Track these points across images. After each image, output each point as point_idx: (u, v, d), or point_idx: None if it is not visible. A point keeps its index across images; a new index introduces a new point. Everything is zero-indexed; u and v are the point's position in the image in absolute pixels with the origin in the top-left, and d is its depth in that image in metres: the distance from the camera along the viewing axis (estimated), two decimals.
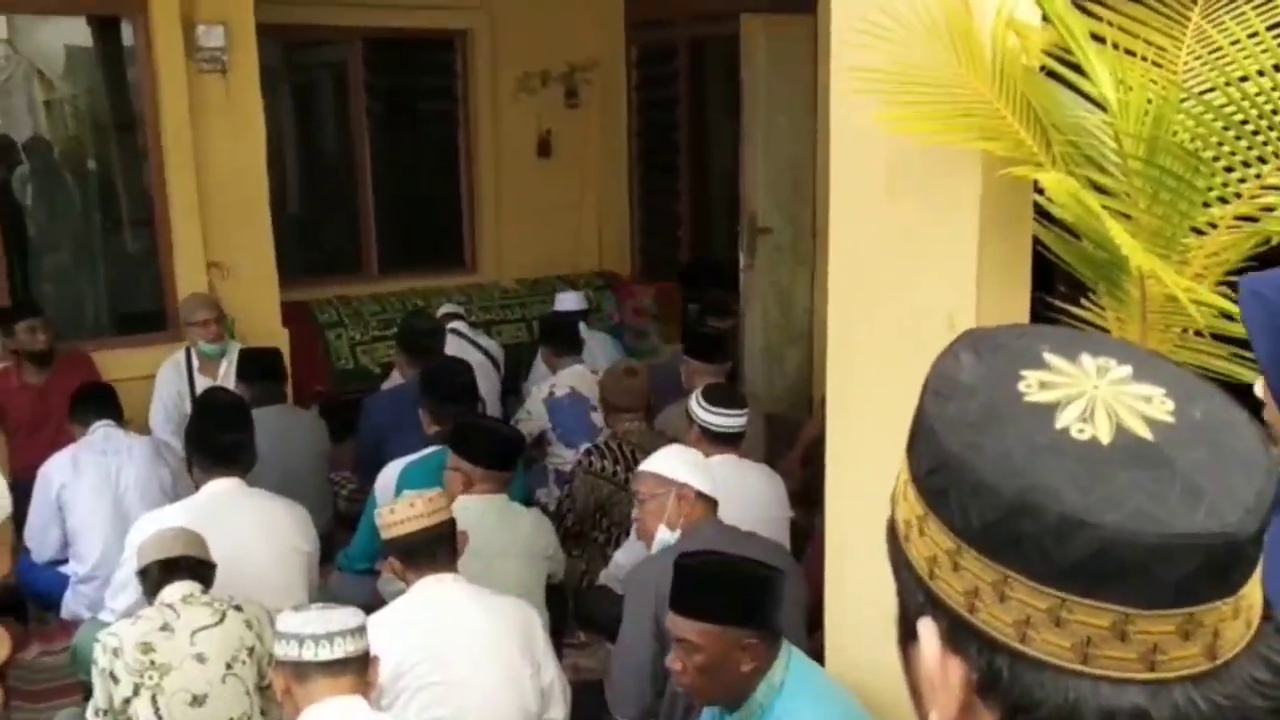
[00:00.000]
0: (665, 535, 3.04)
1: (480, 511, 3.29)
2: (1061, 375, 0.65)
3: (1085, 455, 0.61)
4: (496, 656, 2.71)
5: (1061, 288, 2.10)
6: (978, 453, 0.63)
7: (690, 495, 3.01)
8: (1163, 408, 0.64)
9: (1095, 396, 0.64)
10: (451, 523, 2.83)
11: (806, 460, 4.88)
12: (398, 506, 2.79)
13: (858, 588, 2.56)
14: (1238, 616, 0.62)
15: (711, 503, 3.05)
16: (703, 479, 3.04)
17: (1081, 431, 0.62)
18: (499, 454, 3.43)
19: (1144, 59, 1.85)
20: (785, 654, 2.31)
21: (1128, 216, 1.87)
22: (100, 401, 4.17)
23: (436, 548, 2.78)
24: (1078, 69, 2.00)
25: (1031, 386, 0.65)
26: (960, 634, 0.65)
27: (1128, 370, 0.66)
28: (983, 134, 1.93)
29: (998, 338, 0.69)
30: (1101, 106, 1.97)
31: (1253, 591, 0.63)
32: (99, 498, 3.89)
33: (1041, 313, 2.25)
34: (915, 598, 0.68)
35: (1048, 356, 0.66)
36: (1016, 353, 0.67)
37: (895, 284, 2.37)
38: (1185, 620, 0.60)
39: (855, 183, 2.39)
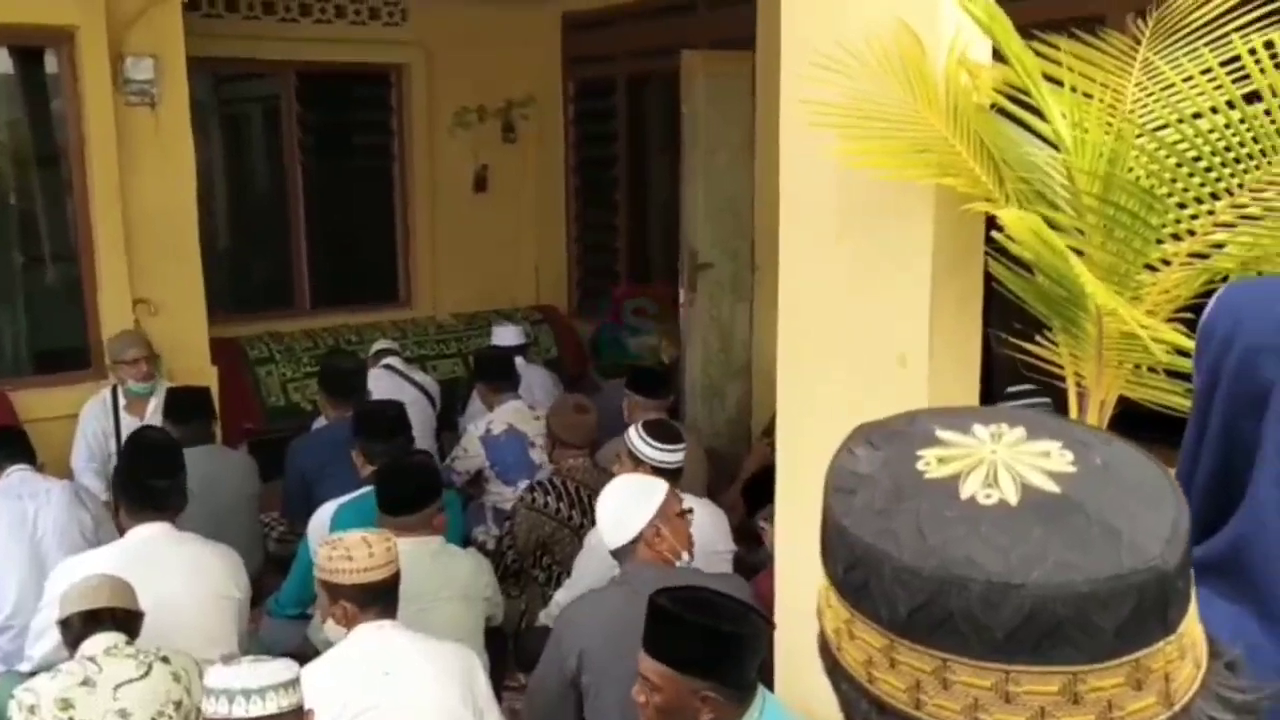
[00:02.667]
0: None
1: (414, 555, 3.19)
2: (957, 448, 0.66)
3: (997, 519, 0.61)
4: (438, 705, 2.61)
5: (1015, 324, 2.09)
6: (891, 538, 0.62)
7: None
8: (1063, 459, 0.64)
9: (994, 461, 0.64)
10: (398, 568, 2.75)
11: (747, 493, 4.86)
12: (355, 553, 2.67)
13: (807, 621, 2.52)
14: (1184, 656, 0.61)
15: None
16: (615, 531, 2.93)
17: (988, 496, 0.62)
18: (405, 501, 3.29)
19: (1099, 100, 1.85)
20: (759, 703, 2.22)
21: (1081, 253, 1.86)
22: (12, 445, 3.99)
23: (389, 594, 2.70)
24: (1028, 107, 2.01)
25: (930, 464, 0.65)
26: None
27: (1020, 431, 0.66)
28: (940, 170, 1.92)
29: (889, 426, 0.70)
30: (1054, 145, 1.97)
31: (1193, 629, 0.63)
32: (14, 544, 3.71)
33: (995, 350, 2.24)
34: (859, 707, 0.67)
35: (940, 433, 0.67)
36: (910, 436, 0.68)
37: (847, 322, 2.34)
38: (1133, 669, 0.59)
39: (806, 220, 2.38)
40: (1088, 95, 1.90)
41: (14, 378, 5.49)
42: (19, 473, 3.86)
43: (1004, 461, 0.64)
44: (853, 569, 0.64)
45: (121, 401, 4.90)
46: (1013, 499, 0.61)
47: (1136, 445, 0.68)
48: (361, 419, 4.08)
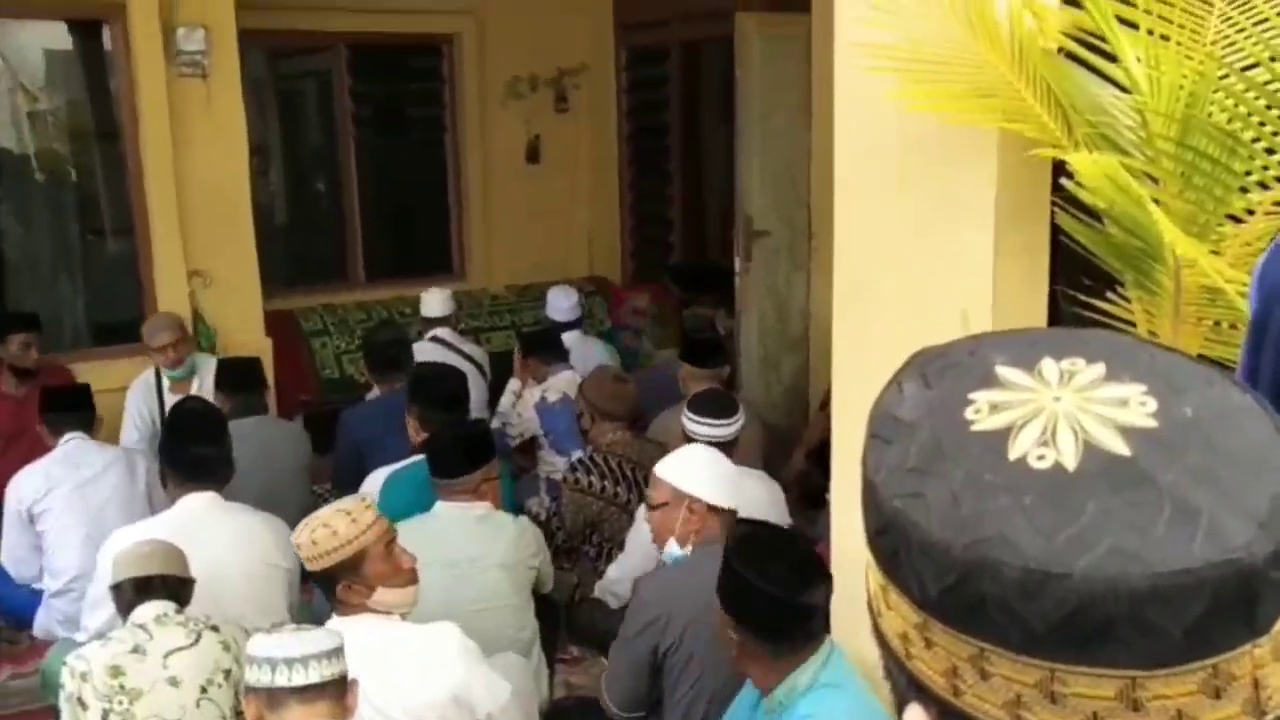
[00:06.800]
0: (674, 550, 2.91)
1: (458, 520, 3.15)
2: (1015, 391, 0.55)
3: (1047, 488, 0.51)
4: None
5: (1084, 279, 1.98)
6: (921, 504, 0.53)
7: (701, 509, 2.87)
8: (1142, 410, 0.53)
9: (1056, 412, 0.53)
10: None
11: (811, 460, 4.80)
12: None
13: (863, 596, 2.44)
14: None
15: (728, 514, 2.90)
16: (718, 490, 2.88)
17: (1041, 458, 0.52)
18: (456, 463, 3.22)
19: (1177, 43, 1.72)
20: (819, 660, 2.25)
21: (1157, 202, 1.75)
22: (72, 410, 4.01)
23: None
24: (1098, 51, 1.89)
25: (980, 411, 0.54)
26: None
27: (1099, 370, 0.55)
28: (1005, 115, 1.81)
29: (948, 356, 0.60)
30: (1125, 89, 1.85)
31: None
32: (72, 511, 3.75)
33: (1063, 308, 2.13)
34: (899, 682, 0.58)
35: (1001, 371, 0.56)
36: (966, 371, 0.57)
37: (905, 279, 2.25)
38: (1210, 675, 0.49)
39: (862, 170, 2.28)
40: (1165, 37, 1.78)
41: (73, 350, 5.56)
42: (75, 441, 3.89)
43: (1067, 413, 0.53)
44: (882, 534, 0.55)
45: (166, 382, 4.91)
46: (1070, 462, 0.51)
47: (1243, 389, 0.56)
48: (419, 385, 4.02)
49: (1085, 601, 0.48)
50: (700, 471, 2.91)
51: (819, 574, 2.28)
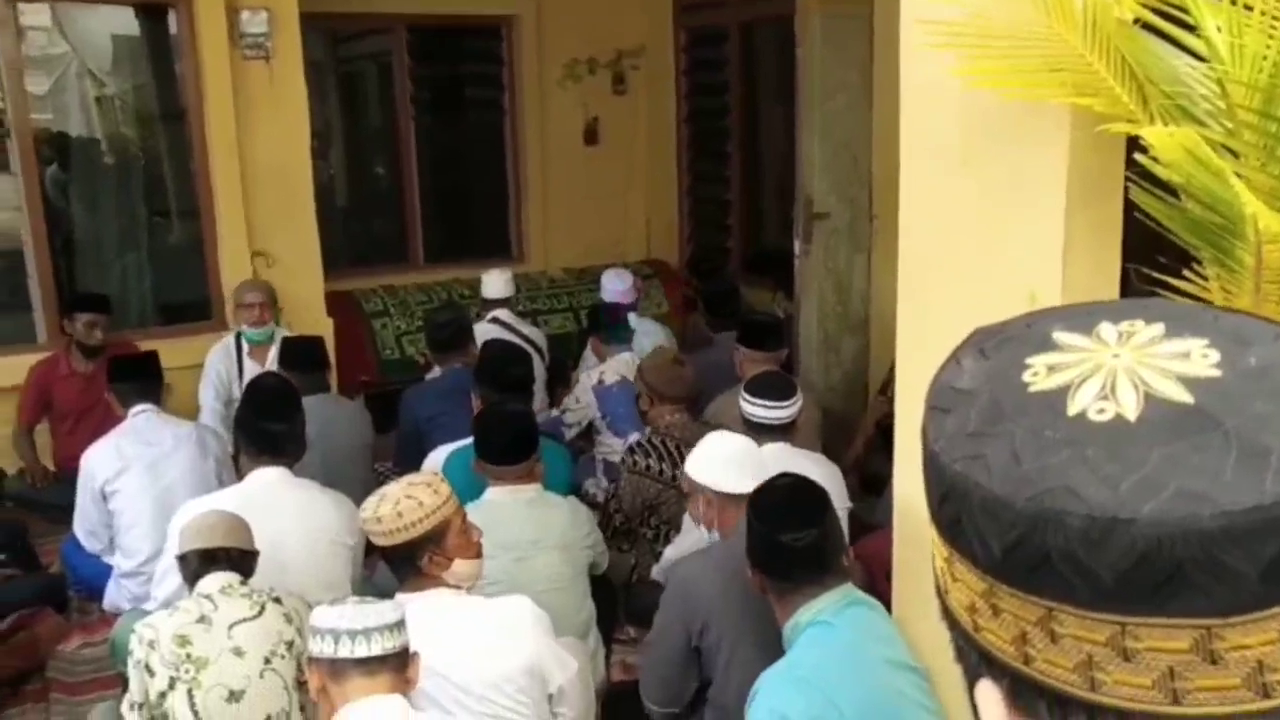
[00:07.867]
0: (703, 533, 2.97)
1: (510, 504, 3.17)
2: (1073, 353, 0.54)
3: (1109, 439, 0.50)
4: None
5: (1159, 258, 1.93)
6: (982, 465, 0.52)
7: (713, 498, 2.89)
8: (1205, 361, 0.52)
9: (1115, 367, 0.52)
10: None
11: (870, 446, 4.76)
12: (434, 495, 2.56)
13: (926, 582, 2.42)
14: None
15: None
16: (731, 477, 2.86)
17: (1102, 412, 0.51)
18: (504, 451, 3.24)
19: (1261, 11, 1.67)
20: (825, 603, 2.35)
21: (1237, 175, 1.69)
22: (141, 381, 4.05)
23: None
24: (1173, 19, 1.83)
25: (1038, 374, 0.54)
26: (1025, 693, 0.53)
27: (1158, 329, 0.54)
28: (1075, 89, 1.77)
29: (1005, 330, 0.60)
30: (1203, 59, 1.80)
31: None
32: (144, 492, 3.80)
33: (1136, 286, 2.08)
34: (969, 659, 0.57)
35: (1058, 336, 0.56)
36: (1024, 341, 0.57)
37: (971, 258, 2.21)
38: None
39: (928, 148, 2.24)
40: (1248, 6, 1.72)
41: (140, 328, 5.67)
42: (145, 415, 3.94)
43: (1127, 367, 0.52)
44: (945, 501, 0.55)
45: (245, 348, 5.03)
46: (1131, 413, 0.50)
47: None
48: (485, 365, 4.06)
49: (1153, 546, 0.47)
50: (710, 461, 2.92)
51: (809, 520, 2.38)
